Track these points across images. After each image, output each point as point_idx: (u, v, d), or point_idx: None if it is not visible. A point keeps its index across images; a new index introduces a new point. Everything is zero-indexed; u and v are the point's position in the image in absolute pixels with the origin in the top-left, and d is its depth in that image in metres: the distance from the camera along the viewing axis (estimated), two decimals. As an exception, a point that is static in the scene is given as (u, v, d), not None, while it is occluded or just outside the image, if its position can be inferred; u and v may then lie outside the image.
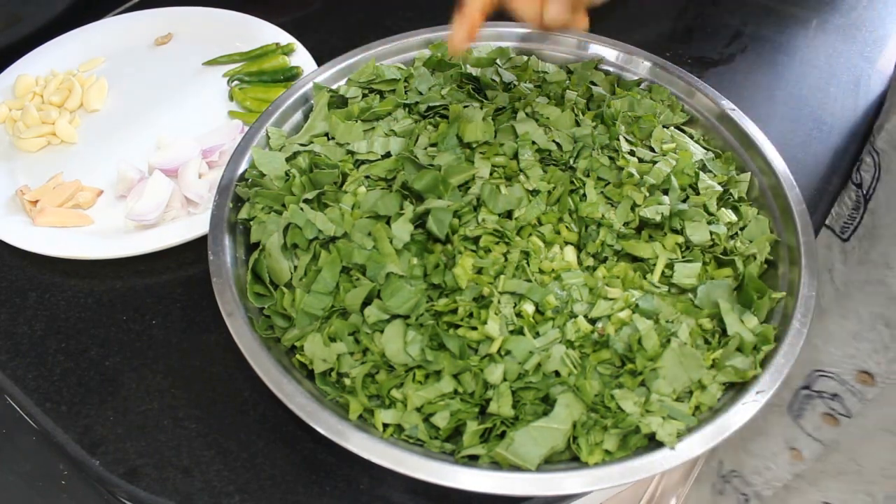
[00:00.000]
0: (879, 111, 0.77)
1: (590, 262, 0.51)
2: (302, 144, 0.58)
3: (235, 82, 0.78)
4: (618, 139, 0.57)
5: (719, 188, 0.56)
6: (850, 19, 0.88)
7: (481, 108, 0.58)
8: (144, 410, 0.53)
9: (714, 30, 0.86)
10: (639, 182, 0.54)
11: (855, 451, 0.77)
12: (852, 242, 0.70)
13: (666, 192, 0.54)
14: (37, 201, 0.65)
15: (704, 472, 1.05)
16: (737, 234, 0.54)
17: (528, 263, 0.50)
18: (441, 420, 0.45)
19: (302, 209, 0.51)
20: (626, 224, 0.53)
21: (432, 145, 0.56)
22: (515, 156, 0.56)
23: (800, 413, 0.80)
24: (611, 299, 0.49)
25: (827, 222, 0.74)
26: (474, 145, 0.55)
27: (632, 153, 0.57)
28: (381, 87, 0.62)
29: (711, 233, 0.52)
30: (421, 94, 0.61)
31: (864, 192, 0.67)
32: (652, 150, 0.58)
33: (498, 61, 0.64)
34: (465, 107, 0.58)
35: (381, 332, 0.47)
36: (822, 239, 0.75)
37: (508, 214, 0.52)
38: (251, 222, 0.53)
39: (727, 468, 0.96)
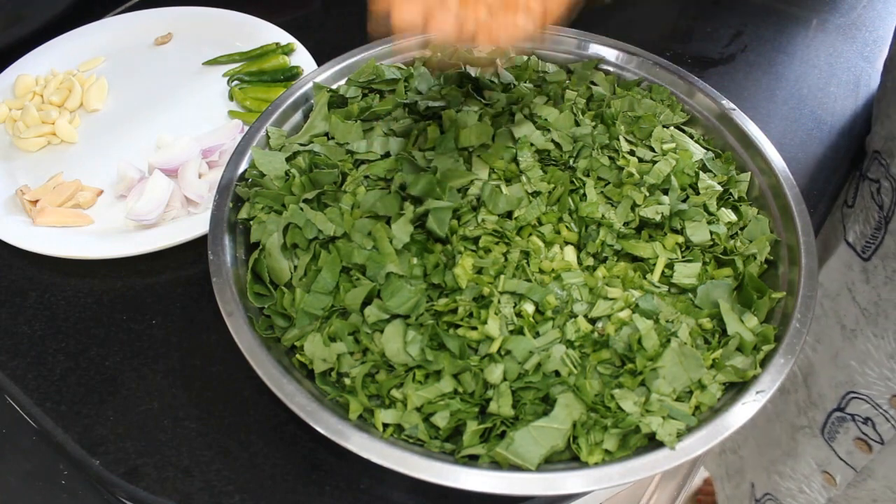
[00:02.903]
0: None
1: (590, 262, 0.51)
2: (302, 144, 0.58)
3: (235, 82, 0.78)
4: (618, 139, 0.57)
5: (719, 188, 0.56)
6: (850, 19, 0.88)
7: (477, 109, 0.58)
8: (144, 410, 0.53)
9: (714, 30, 0.86)
10: (639, 182, 0.54)
11: (890, 479, 0.76)
12: (874, 261, 0.69)
13: (666, 192, 0.54)
14: (37, 201, 0.65)
15: (736, 496, 1.04)
16: (737, 233, 0.54)
17: (528, 263, 0.50)
18: (441, 420, 0.45)
19: (302, 209, 0.51)
20: (626, 224, 0.53)
21: (430, 149, 0.56)
22: (514, 159, 0.56)
23: (832, 436, 0.79)
24: (611, 299, 0.48)
25: (850, 240, 0.73)
26: (471, 149, 0.55)
27: (632, 153, 0.57)
28: (380, 87, 0.62)
29: (711, 233, 0.52)
30: (420, 93, 0.61)
31: (885, 213, 0.67)
32: (652, 149, 0.58)
33: (498, 61, 0.64)
34: (458, 111, 0.58)
35: (381, 331, 0.47)
36: (842, 257, 0.74)
37: (508, 214, 0.52)
38: (251, 222, 0.53)
39: (761, 492, 0.95)
